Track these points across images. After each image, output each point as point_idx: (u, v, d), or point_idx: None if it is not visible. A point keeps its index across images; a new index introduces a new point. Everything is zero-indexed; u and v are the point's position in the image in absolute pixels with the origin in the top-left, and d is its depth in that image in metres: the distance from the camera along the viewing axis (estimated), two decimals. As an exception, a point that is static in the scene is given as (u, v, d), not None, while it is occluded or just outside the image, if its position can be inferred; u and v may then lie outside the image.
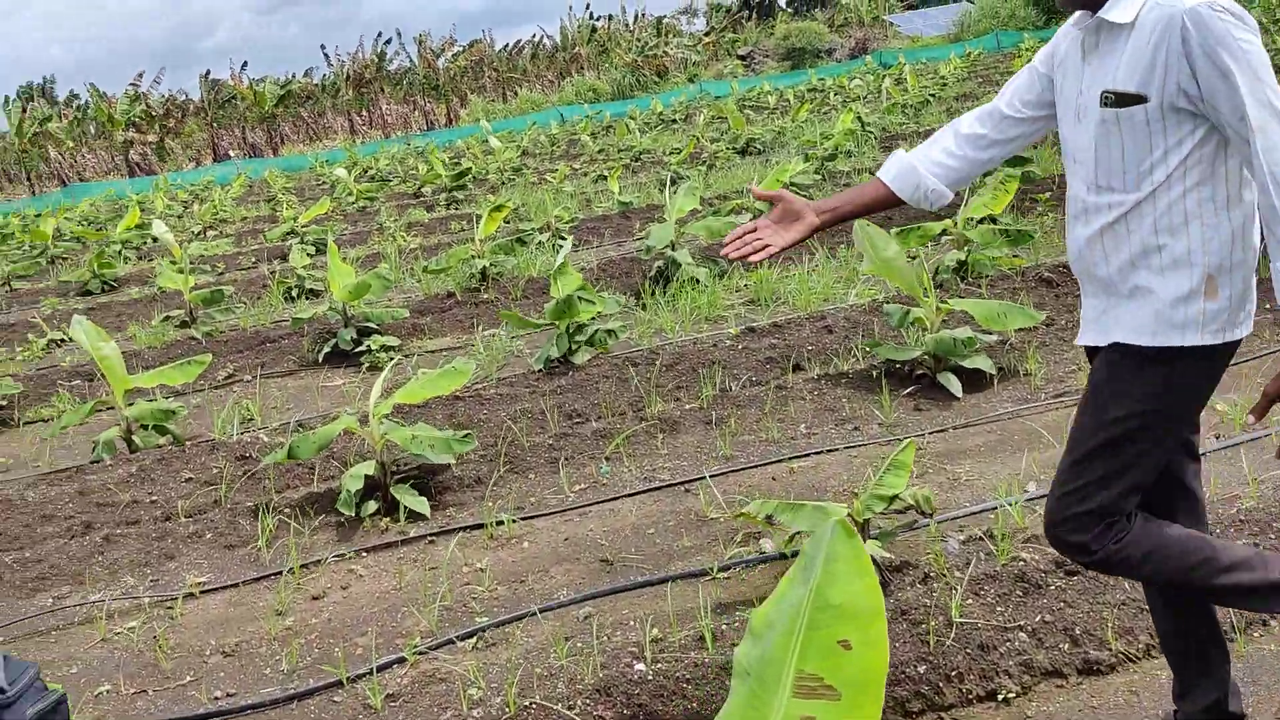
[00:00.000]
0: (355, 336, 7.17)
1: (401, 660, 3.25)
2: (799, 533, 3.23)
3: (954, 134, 2.44)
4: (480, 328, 7.50)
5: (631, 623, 3.29)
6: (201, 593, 3.93)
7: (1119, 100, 2.05)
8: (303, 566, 4.01)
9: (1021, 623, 2.92)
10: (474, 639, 3.33)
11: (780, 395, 5.07)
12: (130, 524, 4.64)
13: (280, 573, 3.98)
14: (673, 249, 7.70)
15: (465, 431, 4.42)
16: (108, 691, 3.34)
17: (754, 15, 59.34)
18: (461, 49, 45.55)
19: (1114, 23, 2.07)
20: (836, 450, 4.44)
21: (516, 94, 44.17)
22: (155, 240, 13.14)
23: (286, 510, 4.52)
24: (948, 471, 4.11)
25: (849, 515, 3.19)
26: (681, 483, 4.32)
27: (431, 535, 4.18)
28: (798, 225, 2.40)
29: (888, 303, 6.20)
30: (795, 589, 1.51)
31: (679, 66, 42.82)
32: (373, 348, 6.99)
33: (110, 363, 5.33)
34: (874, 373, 5.24)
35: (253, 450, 5.38)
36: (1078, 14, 2.20)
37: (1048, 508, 2.24)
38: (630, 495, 4.28)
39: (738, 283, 7.52)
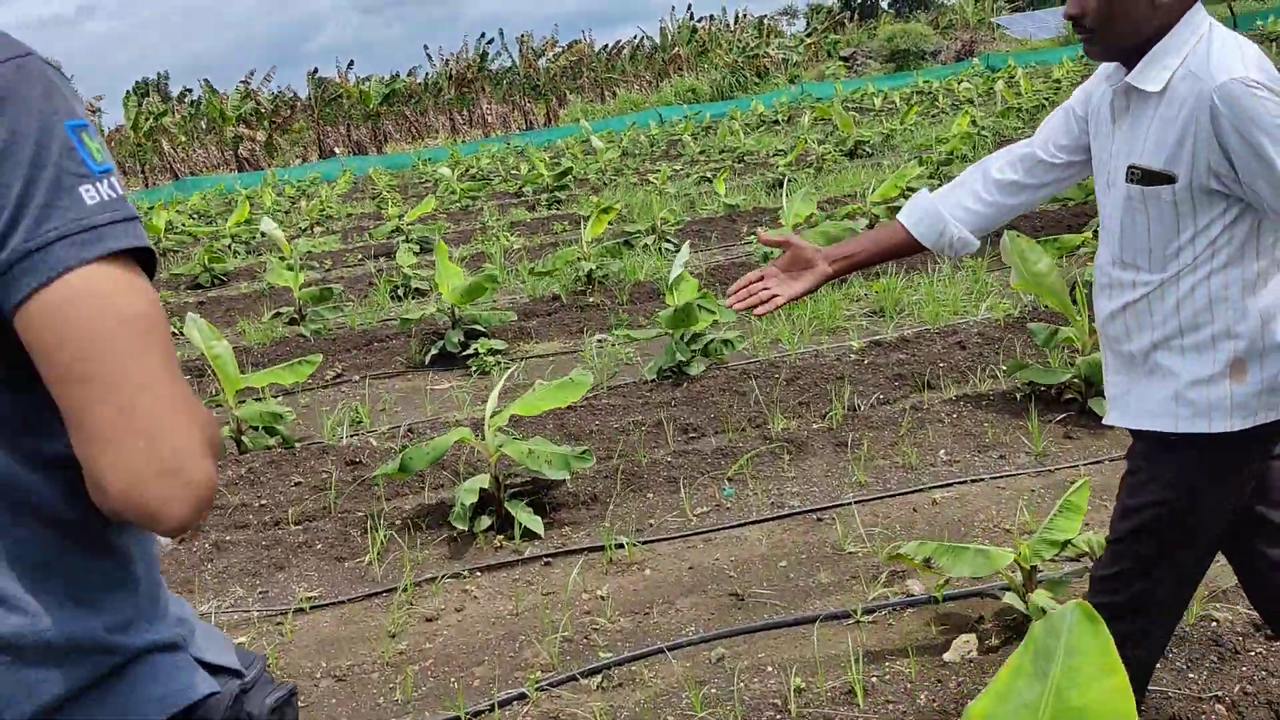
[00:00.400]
0: (462, 339, 7.03)
1: (523, 696, 3.05)
2: (949, 579, 2.95)
3: (983, 177, 2.21)
4: (589, 333, 7.31)
5: (769, 668, 3.04)
6: (312, 608, 3.79)
7: (1145, 177, 1.87)
8: (415, 585, 3.84)
9: (1218, 693, 2.60)
10: (599, 676, 3.11)
11: (916, 417, 4.77)
12: (240, 528, 4.54)
13: (393, 590, 3.81)
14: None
15: (583, 448, 4.21)
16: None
17: (855, 16, 58.56)
18: (562, 49, 45.64)
19: (1144, 90, 1.88)
20: (982, 480, 4.12)
21: (614, 94, 44.13)
22: (264, 235, 13.25)
23: (398, 522, 4.36)
24: (1108, 509, 3.78)
25: (1015, 561, 2.90)
26: (813, 510, 4.06)
27: (548, 556, 3.97)
28: (808, 275, 2.20)
29: (1025, 319, 5.85)
30: (1027, 685, 1.25)
31: (779, 67, 42.33)
32: (480, 351, 6.84)
33: (222, 361, 5.25)
34: (1017, 395, 4.91)
35: (362, 455, 5.25)
36: (1111, 67, 1.97)
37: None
38: (758, 522, 4.02)
39: (857, 291, 7.21)
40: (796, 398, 5.29)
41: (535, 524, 4.14)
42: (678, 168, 17.78)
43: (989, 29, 43.67)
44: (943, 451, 4.43)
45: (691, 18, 49.21)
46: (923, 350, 5.73)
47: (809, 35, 47.72)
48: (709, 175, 15.68)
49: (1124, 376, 2.06)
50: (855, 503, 4.03)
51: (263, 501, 4.78)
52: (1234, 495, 2.00)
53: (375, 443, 5.50)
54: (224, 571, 4.12)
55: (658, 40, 49.42)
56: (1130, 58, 1.91)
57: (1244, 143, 1.77)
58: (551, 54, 45.33)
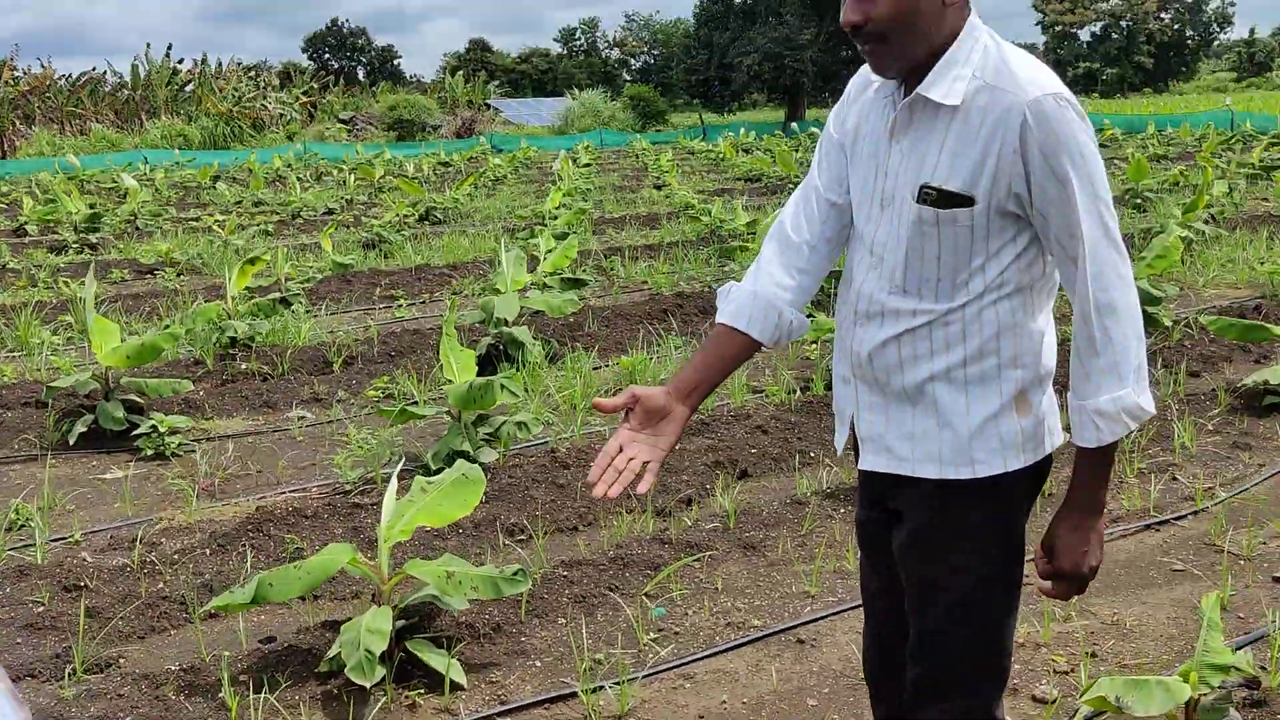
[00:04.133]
0: (125, 413, 5.48)
1: None
2: None
3: (784, 246, 2.00)
4: (281, 407, 6.05)
5: None
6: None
7: (941, 199, 1.73)
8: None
9: None
10: None
11: (797, 512, 4.35)
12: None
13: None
14: (508, 325, 6.70)
15: (515, 567, 3.26)
16: None
17: (339, 82, 57.72)
18: (22, 74, 39.97)
19: (936, 103, 1.73)
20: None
21: (84, 131, 39.39)
22: None
23: (245, 676, 3.11)
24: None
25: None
26: (786, 629, 3.46)
27: (497, 716, 3.01)
28: (668, 424, 1.89)
29: (822, 400, 5.69)
30: None
31: (276, 122, 40.42)
32: (160, 429, 5.36)
33: None
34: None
35: (85, 577, 3.79)
36: (881, 81, 1.85)
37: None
38: (735, 648, 3.36)
39: (606, 375, 6.62)
40: (624, 491, 4.64)
41: (456, 671, 3.14)
42: (224, 217, 15.95)
43: (490, 112, 45.12)
44: (850, 553, 4.06)
45: (169, 59, 45.54)
46: (724, 434, 5.34)
47: (306, 93, 46.08)
48: (268, 229, 14.25)
49: (881, 415, 1.90)
50: (832, 616, 3.52)
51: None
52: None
53: (90, 558, 4.01)
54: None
55: (128, 79, 45.06)
56: (916, 68, 1.76)
57: (1047, 167, 1.67)
58: (10, 79, 39.51)
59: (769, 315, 1.94)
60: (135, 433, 5.41)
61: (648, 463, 1.86)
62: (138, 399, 5.64)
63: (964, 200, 1.73)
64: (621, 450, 1.86)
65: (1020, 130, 1.67)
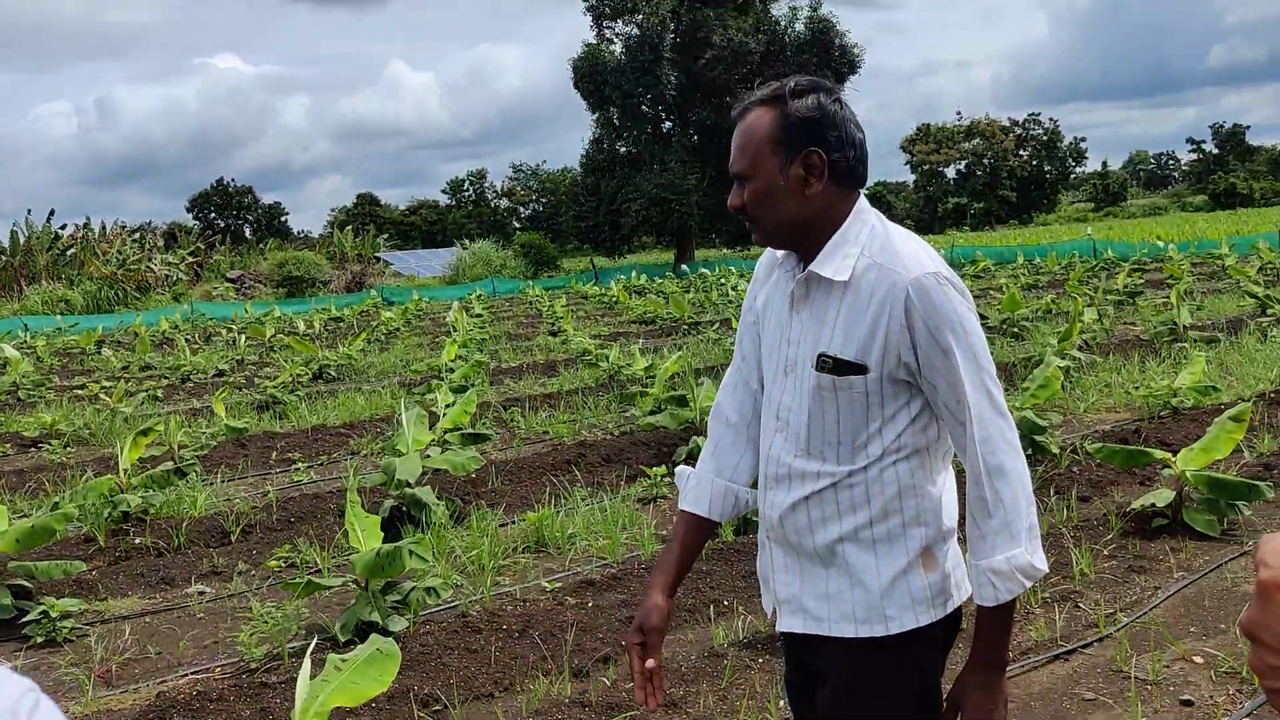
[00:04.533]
0: (12, 599, 5.24)
1: None
2: None
3: (727, 428, 2.20)
4: (178, 584, 5.84)
5: None
6: None
7: (837, 367, 1.90)
8: None
9: None
10: None
11: (717, 665, 4.34)
12: None
13: None
14: (410, 486, 6.63)
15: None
16: None
17: (227, 240, 57.44)
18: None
19: (829, 279, 1.92)
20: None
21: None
22: None
23: None
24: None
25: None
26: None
27: None
28: (658, 617, 2.10)
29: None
30: None
31: (162, 284, 39.89)
32: (52, 615, 5.13)
33: None
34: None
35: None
36: (782, 254, 2.07)
37: None
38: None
39: (510, 531, 6.56)
40: (539, 652, 4.59)
41: None
42: (111, 384, 15.56)
43: (380, 264, 45.23)
44: (772, 706, 4.05)
45: (50, 224, 44.85)
46: (636, 588, 5.32)
47: (192, 254, 45.67)
48: (158, 394, 13.94)
49: (797, 578, 2.00)
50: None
51: None
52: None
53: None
54: None
55: (6, 244, 44.17)
56: (799, 246, 1.96)
57: (931, 339, 1.83)
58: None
59: (727, 498, 2.15)
60: (24, 619, 5.17)
61: (654, 657, 2.07)
62: (25, 583, 5.41)
63: (858, 368, 1.87)
64: (643, 661, 2.05)
65: (905, 305, 1.82)
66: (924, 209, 77.77)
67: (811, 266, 1.92)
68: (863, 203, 1.96)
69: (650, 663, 2.05)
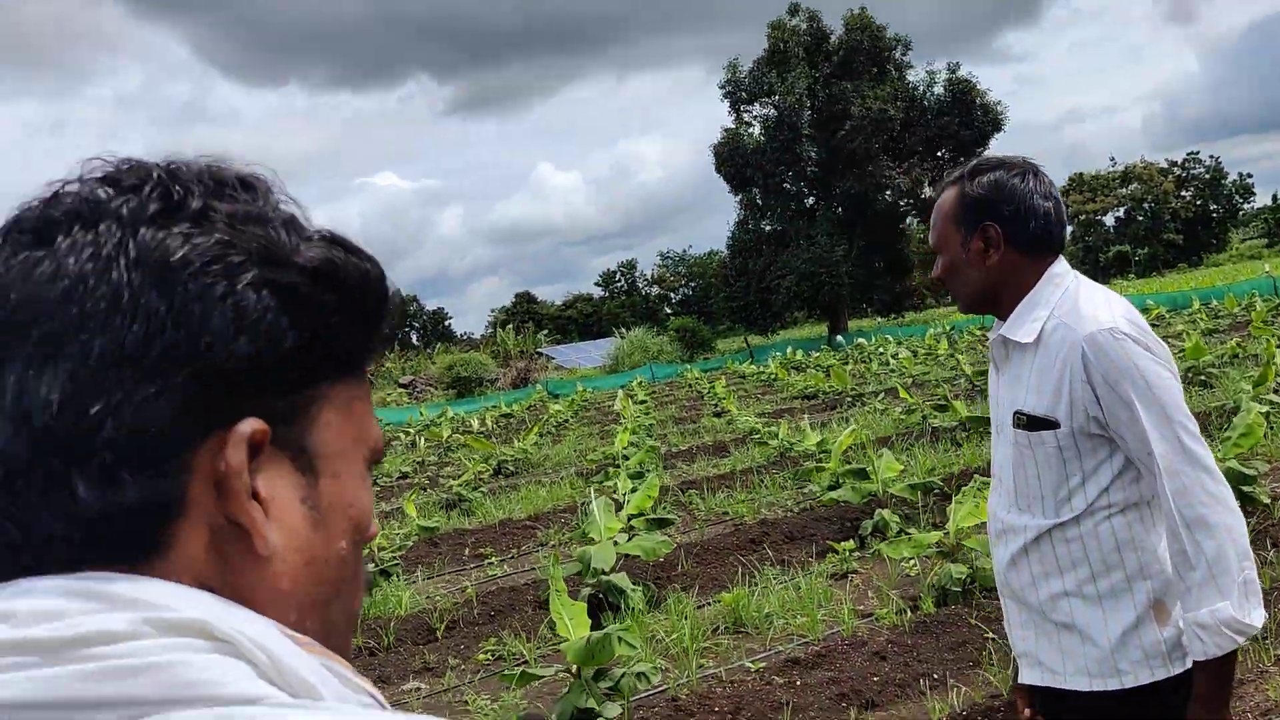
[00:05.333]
0: None
1: None
2: None
3: None
4: (398, 679, 6.10)
5: None
6: None
7: (1030, 423, 1.92)
8: None
9: None
10: None
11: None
12: None
13: None
14: (606, 573, 6.78)
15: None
16: None
17: (396, 348, 59.93)
18: None
19: (1018, 341, 2.01)
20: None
21: None
22: None
23: None
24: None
25: None
26: None
27: None
28: None
29: (926, 622, 5.65)
30: None
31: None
32: None
33: None
34: (991, 711, 4.60)
35: None
36: (995, 324, 2.12)
37: None
38: None
39: (706, 614, 6.62)
40: (756, 733, 4.61)
41: None
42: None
43: (542, 359, 46.44)
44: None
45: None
46: (842, 664, 5.30)
47: (364, 362, 47.68)
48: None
49: (1031, 631, 2.03)
50: None
51: None
52: None
53: None
54: None
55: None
56: (995, 310, 2.07)
57: (1112, 393, 1.85)
58: None
59: None
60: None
61: None
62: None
63: (1049, 424, 1.92)
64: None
65: (1083, 361, 1.88)
66: (1084, 259, 75.49)
67: (1003, 330, 2.04)
68: (1059, 265, 2.05)
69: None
